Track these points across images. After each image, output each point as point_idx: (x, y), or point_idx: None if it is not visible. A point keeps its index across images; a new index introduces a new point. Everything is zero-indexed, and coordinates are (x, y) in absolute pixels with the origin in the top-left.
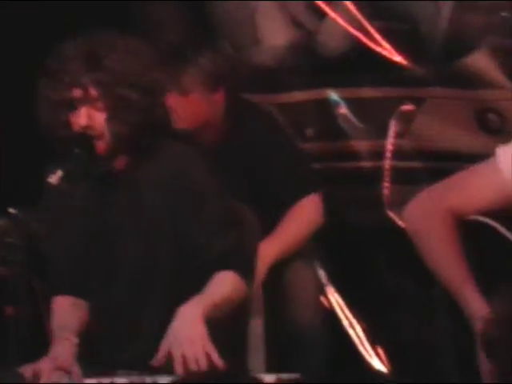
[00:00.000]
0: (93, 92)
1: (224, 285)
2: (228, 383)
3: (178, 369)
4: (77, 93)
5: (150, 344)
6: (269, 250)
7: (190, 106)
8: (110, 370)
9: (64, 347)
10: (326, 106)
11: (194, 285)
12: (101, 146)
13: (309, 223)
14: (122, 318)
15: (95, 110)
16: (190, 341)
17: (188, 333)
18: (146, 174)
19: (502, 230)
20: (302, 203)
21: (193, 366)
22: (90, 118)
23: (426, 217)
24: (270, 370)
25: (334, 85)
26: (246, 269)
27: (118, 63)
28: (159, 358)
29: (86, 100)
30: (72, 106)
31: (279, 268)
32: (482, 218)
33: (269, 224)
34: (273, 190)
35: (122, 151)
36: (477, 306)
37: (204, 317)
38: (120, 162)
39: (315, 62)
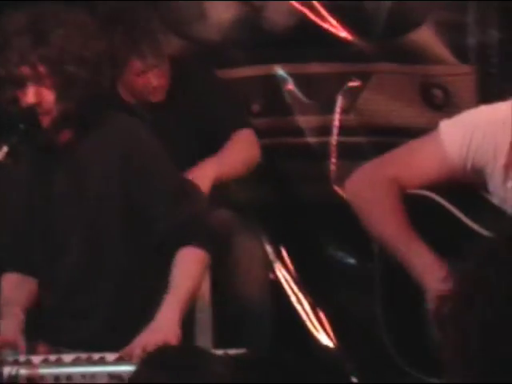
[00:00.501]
0: (41, 69)
1: (192, 272)
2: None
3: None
4: (25, 70)
5: (99, 323)
6: (208, 170)
7: (165, 75)
8: (56, 347)
9: (10, 322)
10: (273, 81)
11: (153, 260)
12: (46, 120)
13: (247, 150)
14: (71, 295)
15: (43, 88)
16: (163, 336)
17: (164, 334)
18: (92, 147)
19: (446, 204)
20: (239, 134)
21: None
22: (37, 95)
23: (371, 186)
24: (217, 345)
25: (281, 60)
26: (204, 238)
27: (65, 39)
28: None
29: (35, 78)
30: (20, 83)
31: (226, 244)
32: (425, 192)
33: None
34: (210, 135)
35: (67, 125)
36: (428, 261)
37: (180, 320)
38: (64, 136)
39: (261, 38)
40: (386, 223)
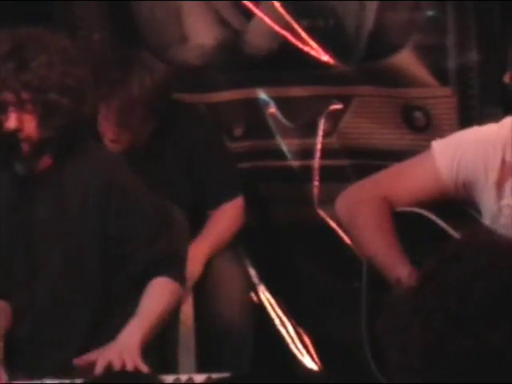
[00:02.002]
0: (23, 96)
1: (162, 299)
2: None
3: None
4: (7, 96)
5: (73, 352)
6: (200, 250)
7: (130, 120)
8: (35, 375)
9: None
10: (255, 105)
11: (126, 291)
12: (26, 146)
13: (232, 225)
14: (46, 322)
15: (25, 114)
16: (120, 355)
17: (120, 352)
18: (71, 176)
19: (438, 220)
20: (224, 208)
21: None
22: (19, 121)
23: (361, 204)
24: (200, 369)
25: (262, 84)
26: (179, 272)
27: (47, 66)
28: (82, 361)
29: (17, 104)
30: (2, 108)
31: (209, 267)
32: (417, 209)
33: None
34: (197, 192)
35: (47, 152)
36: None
37: (141, 344)
38: (44, 162)
39: (243, 61)
40: (375, 242)
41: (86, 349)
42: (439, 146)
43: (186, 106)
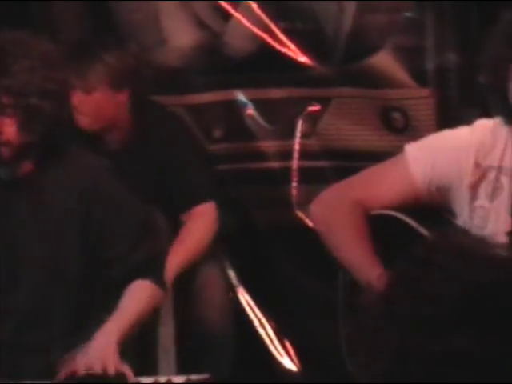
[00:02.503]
0: (4, 100)
1: (140, 298)
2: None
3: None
4: None
5: (54, 355)
6: (173, 262)
7: (93, 104)
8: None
9: None
10: (233, 107)
11: (107, 295)
12: (6, 152)
13: (204, 235)
14: (27, 326)
15: (6, 118)
16: (99, 357)
17: (99, 351)
18: (53, 181)
19: (412, 222)
20: (196, 215)
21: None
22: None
23: (335, 208)
24: (180, 371)
25: (241, 86)
26: (159, 275)
27: (29, 71)
28: (65, 370)
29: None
30: None
31: (188, 270)
32: (392, 212)
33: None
34: (170, 194)
35: (28, 157)
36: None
37: (119, 340)
38: (25, 168)
39: (221, 63)
40: (349, 246)
41: (67, 352)
42: (412, 150)
43: (160, 108)
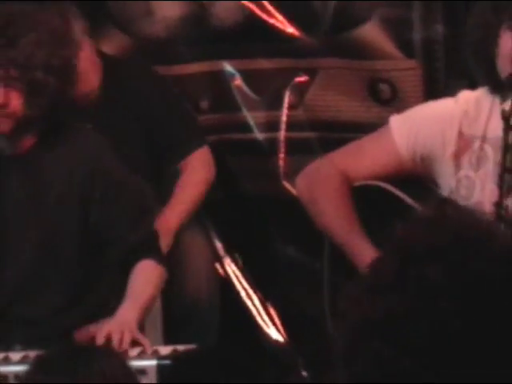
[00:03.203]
0: (12, 72)
1: (151, 281)
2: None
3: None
4: None
5: (45, 329)
6: (170, 221)
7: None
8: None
9: None
10: (220, 77)
11: (108, 273)
12: (9, 124)
13: (202, 182)
14: (18, 300)
15: (12, 90)
16: (119, 329)
17: (118, 331)
18: (54, 157)
19: (399, 192)
20: (192, 162)
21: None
22: (5, 97)
23: (320, 182)
24: (166, 342)
25: (228, 56)
26: (161, 254)
27: (35, 44)
28: (83, 334)
29: (5, 79)
30: None
31: (175, 240)
32: (376, 182)
33: (161, 184)
34: (160, 148)
35: (29, 132)
36: (371, 256)
37: (137, 325)
38: (27, 142)
39: (208, 34)
40: (332, 216)
41: (59, 326)
42: (396, 122)
43: (134, 65)
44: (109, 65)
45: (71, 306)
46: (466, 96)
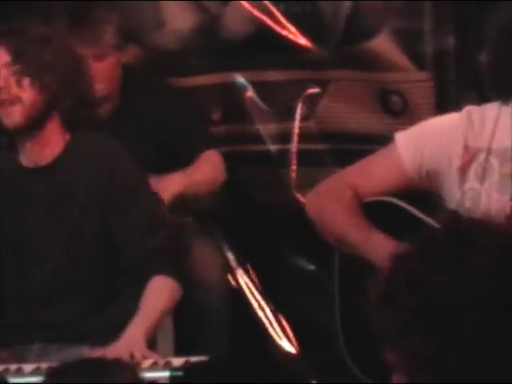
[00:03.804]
0: (14, 56)
1: (163, 299)
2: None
3: None
4: None
5: (64, 334)
6: (172, 185)
7: (108, 70)
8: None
9: None
10: (232, 89)
11: (122, 283)
12: (16, 112)
13: (212, 171)
14: (39, 309)
15: (14, 74)
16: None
17: (127, 352)
18: (74, 166)
19: (409, 207)
20: (204, 157)
21: None
22: (5, 81)
23: (328, 196)
24: (178, 353)
25: (240, 68)
26: (175, 268)
27: (39, 30)
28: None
29: (8, 63)
30: None
31: (186, 251)
32: (385, 198)
33: None
34: (172, 151)
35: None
36: (390, 248)
37: (145, 342)
38: (47, 155)
39: (220, 46)
40: (346, 224)
41: (79, 331)
42: (402, 138)
43: (141, 72)
44: (124, 74)
45: (92, 311)
46: (470, 109)
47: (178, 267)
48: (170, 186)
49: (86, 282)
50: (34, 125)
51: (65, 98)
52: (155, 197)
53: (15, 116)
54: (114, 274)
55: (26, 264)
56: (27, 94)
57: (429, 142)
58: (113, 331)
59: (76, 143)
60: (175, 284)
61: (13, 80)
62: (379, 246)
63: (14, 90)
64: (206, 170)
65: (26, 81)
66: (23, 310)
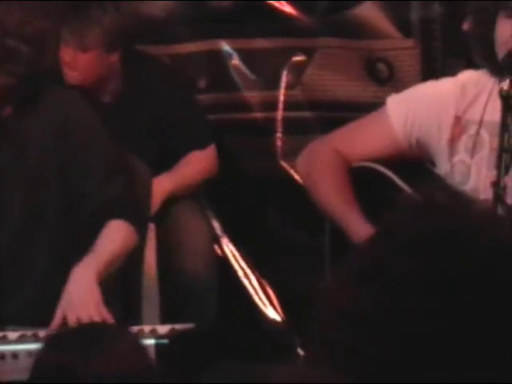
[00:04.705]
0: None
1: (115, 238)
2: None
3: None
4: None
5: (35, 296)
6: (162, 185)
7: (86, 62)
8: None
9: None
10: (218, 57)
11: (84, 234)
12: None
13: (202, 169)
14: (6, 267)
15: None
16: (84, 305)
17: (82, 297)
18: (30, 122)
19: (392, 176)
20: (197, 153)
21: None
22: None
23: (316, 159)
24: (164, 320)
25: (226, 36)
26: (136, 216)
27: (6, 13)
28: (56, 322)
29: None
30: None
31: (172, 220)
32: (371, 164)
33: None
34: (169, 144)
35: (5, 101)
36: (366, 233)
37: (97, 279)
38: (3, 112)
39: (206, 14)
40: (332, 202)
41: (47, 291)
42: (393, 103)
43: (148, 58)
44: (127, 60)
45: (57, 267)
46: (465, 77)
47: (138, 214)
48: (160, 186)
49: (50, 238)
50: (1, 104)
51: (30, 80)
52: (111, 144)
53: None
54: (74, 228)
55: None
56: None
57: (420, 107)
58: None
59: (33, 101)
60: (131, 228)
61: None
62: (358, 229)
63: None
64: (197, 170)
65: None
66: None
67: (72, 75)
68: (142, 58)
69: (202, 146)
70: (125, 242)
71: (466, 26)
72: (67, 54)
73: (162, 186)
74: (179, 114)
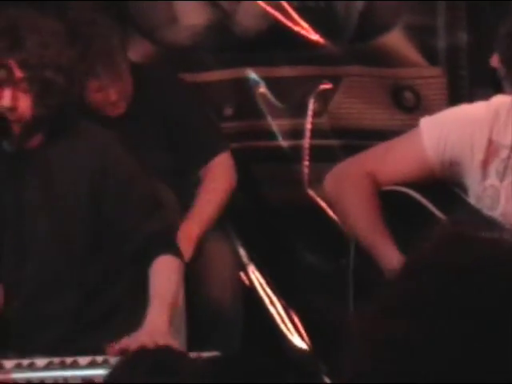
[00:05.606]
0: (18, 74)
1: (172, 278)
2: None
3: None
4: (1, 74)
5: (64, 330)
6: (191, 232)
7: (125, 88)
8: (26, 355)
9: None
10: (245, 85)
11: (124, 268)
12: (18, 128)
13: (223, 189)
14: (34, 301)
15: (20, 92)
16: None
17: (150, 340)
18: (62, 155)
19: (423, 200)
20: (213, 168)
21: None
22: (14, 99)
23: (345, 179)
24: (191, 349)
25: (252, 64)
26: (177, 246)
27: (42, 45)
28: (116, 348)
29: (11, 81)
30: None
31: (198, 248)
32: (402, 188)
33: (184, 189)
34: (183, 153)
35: (38, 131)
36: (395, 258)
37: (170, 326)
38: (35, 141)
39: (233, 42)
40: (360, 224)
41: (76, 326)
42: (427, 124)
43: (153, 69)
44: (136, 72)
45: (86, 305)
46: (498, 101)
47: (177, 243)
48: (189, 234)
49: (77, 275)
50: (30, 132)
51: (61, 106)
52: (148, 181)
53: (15, 130)
54: (111, 266)
55: (18, 255)
56: (26, 110)
57: (453, 129)
58: (108, 325)
59: (64, 131)
60: (178, 260)
61: (20, 98)
62: (386, 254)
63: (21, 108)
64: (218, 190)
65: (25, 96)
66: (18, 306)
67: (118, 109)
68: (146, 69)
69: (216, 153)
70: (179, 278)
71: (493, 62)
72: (112, 94)
73: (191, 232)
74: (189, 124)
